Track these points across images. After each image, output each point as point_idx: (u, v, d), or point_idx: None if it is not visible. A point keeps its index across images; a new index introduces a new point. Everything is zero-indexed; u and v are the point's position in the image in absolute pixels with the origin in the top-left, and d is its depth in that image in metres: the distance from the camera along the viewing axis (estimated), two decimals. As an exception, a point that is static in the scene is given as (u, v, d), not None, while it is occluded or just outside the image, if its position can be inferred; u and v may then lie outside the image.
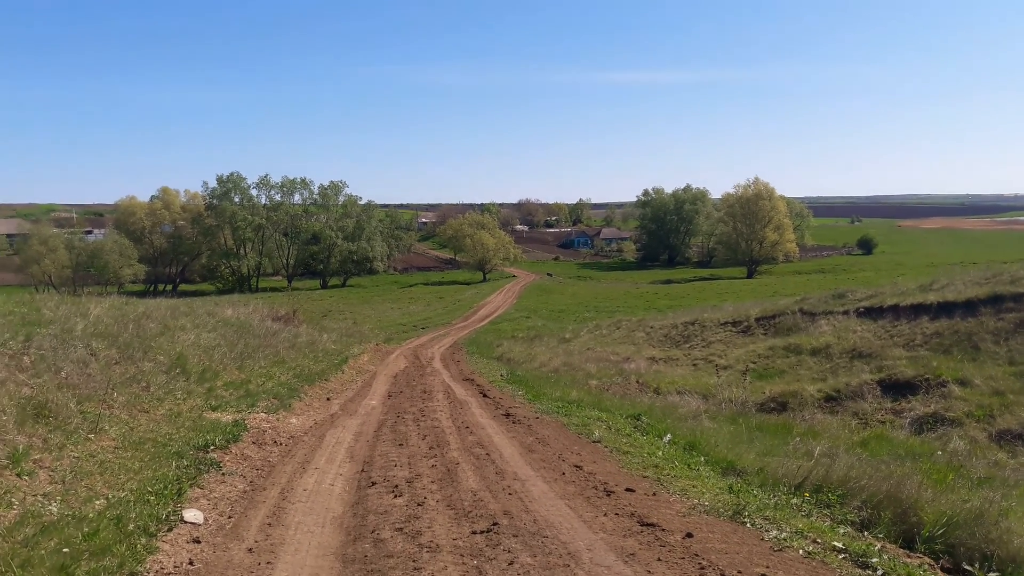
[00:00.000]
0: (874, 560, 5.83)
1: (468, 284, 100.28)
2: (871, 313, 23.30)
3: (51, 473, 6.95)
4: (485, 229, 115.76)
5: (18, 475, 6.63)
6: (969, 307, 20.52)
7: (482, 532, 6.30)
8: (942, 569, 6.23)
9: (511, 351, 31.11)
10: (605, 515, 6.80)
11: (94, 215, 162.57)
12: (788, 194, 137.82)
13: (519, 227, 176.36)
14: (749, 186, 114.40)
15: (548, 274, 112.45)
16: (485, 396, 15.52)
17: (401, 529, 6.44)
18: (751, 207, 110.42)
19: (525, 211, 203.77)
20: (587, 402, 14.46)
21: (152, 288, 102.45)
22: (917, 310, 21.83)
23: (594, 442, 10.39)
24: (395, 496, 7.49)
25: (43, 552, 5.21)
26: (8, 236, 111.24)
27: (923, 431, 14.44)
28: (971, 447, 12.76)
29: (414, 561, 5.67)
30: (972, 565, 6.16)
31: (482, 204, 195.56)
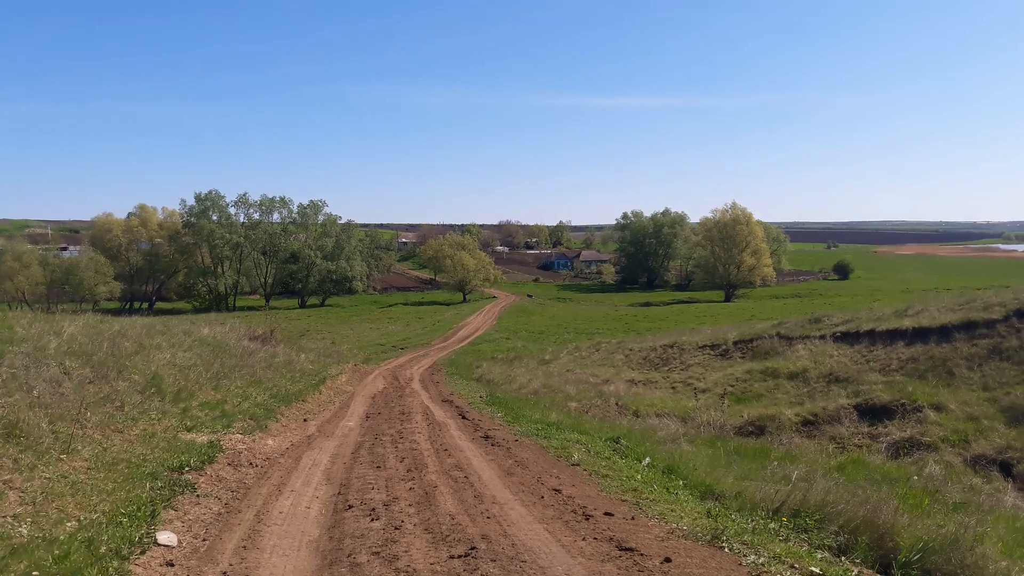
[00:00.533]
0: (851, 585, 5.84)
1: (448, 305, 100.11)
2: (847, 338, 23.50)
3: (21, 494, 6.82)
4: (465, 250, 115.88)
5: (-13, 496, 6.50)
6: (944, 333, 20.77)
7: (460, 556, 6.25)
8: (918, 595, 6.27)
9: (491, 372, 31.02)
10: (584, 539, 6.78)
11: (69, 231, 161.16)
12: (765, 219, 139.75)
13: (499, 248, 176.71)
14: (727, 211, 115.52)
15: (528, 295, 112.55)
16: (464, 418, 15.45)
17: (378, 553, 6.37)
18: (729, 231, 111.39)
19: (506, 232, 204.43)
20: (566, 425, 14.43)
21: (128, 306, 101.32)
22: (893, 335, 22.05)
23: (573, 465, 10.37)
24: (372, 519, 7.42)
25: (12, 575, 5.11)
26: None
27: (899, 456, 14.55)
28: (946, 472, 12.87)
29: (391, 586, 5.62)
30: (948, 591, 6.19)
31: (463, 225, 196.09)
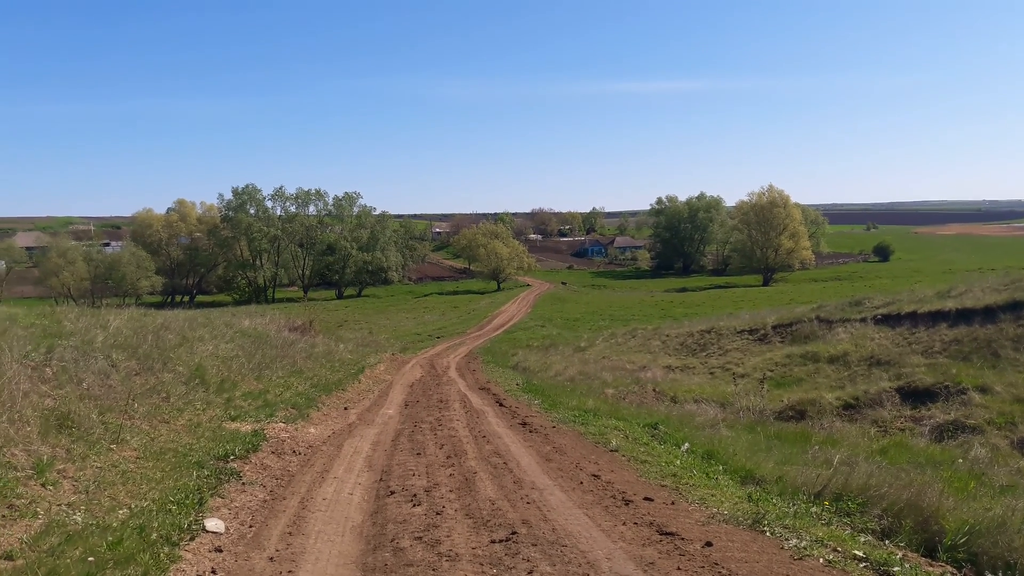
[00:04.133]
0: (895, 569, 5.80)
1: (482, 293, 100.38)
2: (889, 320, 23.13)
3: (75, 483, 7.02)
4: (499, 238, 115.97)
5: (43, 485, 6.71)
6: (988, 314, 20.34)
7: (501, 541, 6.31)
8: (964, 578, 6.19)
9: (526, 360, 31.08)
10: (624, 524, 6.80)
11: (112, 227, 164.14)
12: (803, 201, 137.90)
13: (533, 236, 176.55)
14: (763, 194, 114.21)
15: (562, 283, 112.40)
16: (501, 405, 15.53)
17: (420, 538, 6.46)
18: (766, 215, 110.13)
19: (538, 220, 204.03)
20: (604, 411, 14.44)
21: (169, 299, 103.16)
22: (935, 317, 21.65)
23: (611, 451, 10.39)
24: (414, 505, 7.52)
25: (68, 561, 5.28)
26: (28, 249, 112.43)
27: (943, 439, 14.31)
28: (993, 455, 12.63)
29: (434, 570, 5.70)
30: (995, 574, 6.11)
31: (496, 214, 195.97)
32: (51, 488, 6.72)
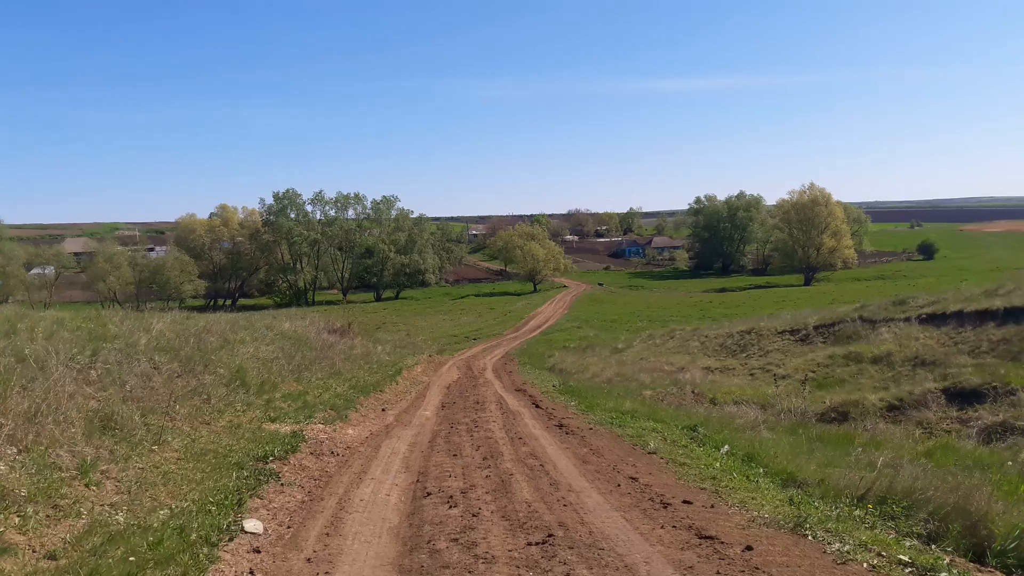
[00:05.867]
0: (942, 574, 5.65)
1: (519, 295, 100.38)
2: (934, 320, 22.65)
3: (117, 483, 7.14)
4: (535, 240, 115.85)
5: (86, 485, 6.83)
6: (1038, 312, 19.80)
7: (537, 543, 6.27)
8: (1015, 584, 6.01)
9: (563, 361, 31.01)
10: (662, 527, 6.72)
11: (156, 232, 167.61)
12: (845, 199, 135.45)
13: (569, 237, 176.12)
14: (805, 192, 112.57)
15: (599, 284, 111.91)
16: (538, 407, 15.49)
17: (456, 540, 6.45)
18: (807, 213, 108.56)
19: (575, 221, 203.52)
20: (641, 413, 14.32)
21: (212, 303, 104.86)
22: (983, 316, 21.14)
23: (649, 453, 10.29)
24: (450, 507, 7.52)
25: (110, 561, 5.36)
26: (76, 254, 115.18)
27: (992, 441, 13.94)
28: (1044, 458, 12.27)
29: (470, 572, 5.69)
30: (1048, 580, 5.92)
31: (532, 215, 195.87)
32: (94, 488, 6.85)
